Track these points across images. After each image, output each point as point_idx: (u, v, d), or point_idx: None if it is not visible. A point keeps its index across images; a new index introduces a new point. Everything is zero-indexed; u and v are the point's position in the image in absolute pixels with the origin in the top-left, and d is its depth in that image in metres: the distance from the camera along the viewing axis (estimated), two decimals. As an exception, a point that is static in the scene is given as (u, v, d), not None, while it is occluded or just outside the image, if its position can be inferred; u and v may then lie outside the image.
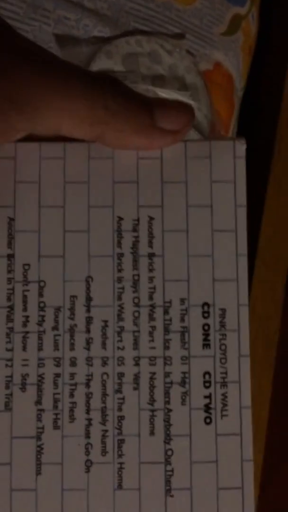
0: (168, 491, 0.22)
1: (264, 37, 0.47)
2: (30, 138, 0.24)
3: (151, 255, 0.23)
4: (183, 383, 0.23)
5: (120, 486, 0.23)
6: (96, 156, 0.24)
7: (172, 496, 0.22)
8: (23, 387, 0.23)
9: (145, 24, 0.40)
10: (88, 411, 0.23)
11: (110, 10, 0.39)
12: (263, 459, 0.43)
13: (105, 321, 0.23)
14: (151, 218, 0.24)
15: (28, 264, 0.24)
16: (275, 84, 0.45)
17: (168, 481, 0.22)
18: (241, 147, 0.24)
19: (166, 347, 0.23)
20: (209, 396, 0.23)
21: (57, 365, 0.23)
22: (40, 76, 0.21)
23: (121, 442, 0.23)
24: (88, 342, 0.23)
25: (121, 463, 0.23)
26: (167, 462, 0.23)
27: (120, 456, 0.23)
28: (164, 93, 0.39)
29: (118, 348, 0.23)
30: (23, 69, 0.21)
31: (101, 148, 0.24)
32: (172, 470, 0.23)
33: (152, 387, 0.23)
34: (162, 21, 0.41)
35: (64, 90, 0.21)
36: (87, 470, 0.23)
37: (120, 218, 0.24)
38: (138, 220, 0.24)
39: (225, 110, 0.43)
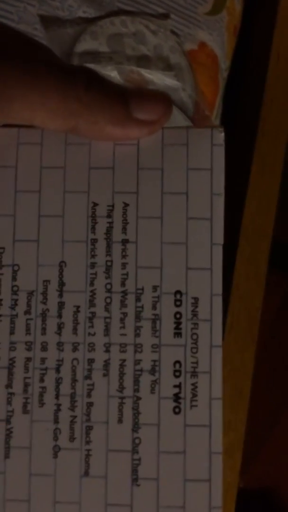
0: (134, 480, 0.21)
1: (248, 16, 0.45)
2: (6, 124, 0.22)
3: (124, 241, 0.22)
4: (153, 371, 0.22)
5: (86, 473, 0.21)
6: (73, 142, 0.23)
7: (138, 485, 0.21)
8: None
9: (130, 4, 0.38)
10: (57, 396, 0.22)
11: None
12: (245, 432, 0.43)
13: (77, 307, 0.22)
14: (126, 205, 0.22)
15: (3, 248, 0.22)
16: (259, 64, 0.44)
17: (135, 470, 0.21)
18: (219, 134, 0.22)
19: (137, 335, 0.22)
20: (178, 386, 0.22)
21: (28, 349, 0.22)
22: (13, 69, 0.20)
23: (89, 428, 0.22)
24: (60, 327, 0.22)
25: (88, 450, 0.22)
26: (135, 450, 0.21)
27: (87, 442, 0.22)
28: (149, 74, 0.37)
29: (89, 334, 0.22)
30: None
31: None
32: (139, 459, 0.21)
33: (122, 374, 0.22)
34: (146, 1, 0.39)
35: (37, 83, 0.20)
36: (55, 455, 0.22)
37: (95, 204, 0.22)
38: (113, 206, 0.22)
39: (210, 90, 0.41)
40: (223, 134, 0.23)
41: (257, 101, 0.42)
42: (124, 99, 0.21)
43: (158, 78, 0.39)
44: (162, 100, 0.22)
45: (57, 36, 0.37)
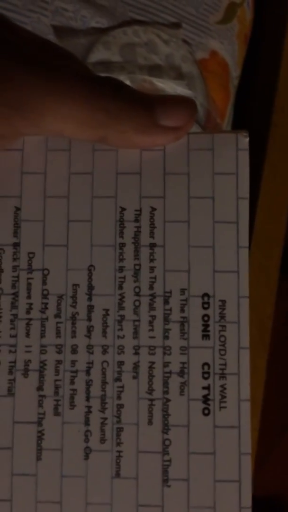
0: (165, 481, 0.21)
1: (259, 24, 0.45)
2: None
3: (152, 245, 0.22)
4: (181, 373, 0.21)
5: (118, 474, 0.21)
6: (100, 148, 0.22)
7: (169, 486, 0.21)
8: (25, 373, 0.22)
9: (142, 14, 0.38)
10: (88, 399, 0.21)
11: (107, 1, 0.38)
12: (258, 439, 0.42)
13: (106, 310, 0.22)
14: (153, 209, 0.22)
15: (33, 253, 0.22)
16: (270, 71, 0.43)
17: (165, 471, 0.21)
18: (244, 139, 0.22)
19: (166, 337, 0.22)
20: (207, 387, 0.21)
21: (59, 352, 0.22)
22: (44, 82, 0.20)
23: (119, 430, 0.21)
24: (89, 330, 0.22)
25: (119, 451, 0.21)
26: (165, 452, 0.21)
27: (118, 444, 0.21)
28: (161, 83, 0.37)
29: (118, 336, 0.22)
30: (28, 76, 0.20)
31: None
32: (169, 460, 0.21)
33: (151, 376, 0.21)
34: (158, 11, 0.39)
35: (67, 95, 0.20)
36: (86, 457, 0.21)
37: (123, 209, 0.22)
38: (140, 210, 0.22)
39: (221, 98, 0.41)
40: (247, 139, 0.22)
41: (268, 108, 0.42)
42: (150, 107, 0.21)
43: (170, 87, 0.39)
44: (187, 105, 0.22)
45: (70, 46, 0.37)
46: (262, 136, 0.41)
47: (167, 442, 0.21)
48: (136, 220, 0.22)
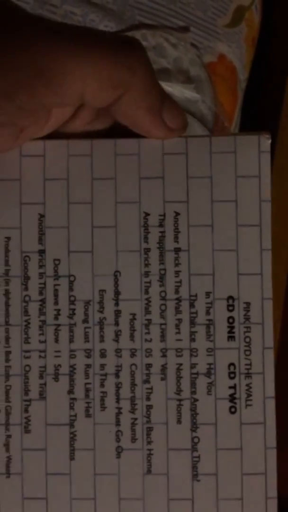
0: (195, 476, 0.21)
1: (266, 27, 0.44)
2: (56, 136, 0.22)
3: (177, 250, 0.22)
4: (208, 374, 0.22)
5: (149, 471, 0.21)
6: (122, 152, 0.22)
7: (198, 480, 0.21)
8: (56, 377, 0.22)
9: (150, 17, 0.38)
10: (118, 400, 0.22)
11: (116, 4, 0.37)
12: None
13: (133, 314, 0.22)
14: (177, 214, 0.22)
15: (59, 259, 0.22)
16: (278, 74, 0.43)
17: (195, 467, 0.21)
18: (266, 141, 0.22)
19: (192, 339, 0.22)
20: (234, 387, 0.21)
21: (88, 357, 0.22)
22: (64, 41, 0.19)
23: (149, 429, 0.21)
24: (117, 334, 0.22)
25: (150, 450, 0.21)
26: (194, 448, 0.21)
27: (149, 443, 0.21)
28: (169, 87, 0.37)
29: (146, 340, 0.22)
30: (47, 37, 0.19)
31: (127, 144, 0.22)
32: (198, 457, 0.21)
33: (179, 377, 0.22)
34: (166, 14, 0.38)
35: (89, 52, 0.19)
36: (118, 455, 0.21)
37: (147, 214, 0.22)
38: (164, 215, 0.22)
39: (229, 101, 0.40)
40: (270, 141, 0.22)
41: (276, 112, 0.41)
42: (162, 97, 0.21)
43: (178, 91, 0.39)
44: (184, 118, 0.22)
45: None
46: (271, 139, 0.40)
47: (195, 440, 0.22)
48: (161, 225, 0.22)
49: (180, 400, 0.22)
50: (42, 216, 0.22)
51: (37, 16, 0.20)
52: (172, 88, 0.37)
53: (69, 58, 0.19)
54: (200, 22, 0.39)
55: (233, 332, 0.22)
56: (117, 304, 0.22)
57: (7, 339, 0.22)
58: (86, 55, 0.19)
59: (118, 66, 0.20)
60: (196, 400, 0.22)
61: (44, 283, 0.22)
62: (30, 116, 0.20)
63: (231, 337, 0.22)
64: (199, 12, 0.39)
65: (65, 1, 0.36)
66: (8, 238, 0.22)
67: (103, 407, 0.22)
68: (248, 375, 0.22)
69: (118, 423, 0.22)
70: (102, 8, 0.36)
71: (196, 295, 0.22)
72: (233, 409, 0.22)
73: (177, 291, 0.22)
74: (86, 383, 0.22)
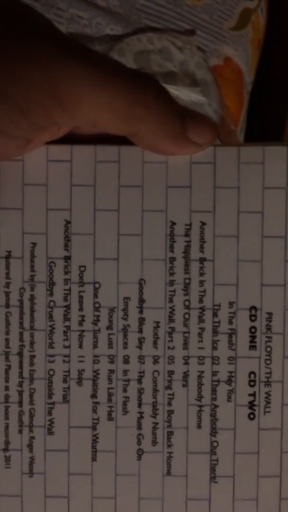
0: (212, 478, 0.22)
1: (272, 29, 0.43)
2: (83, 141, 0.21)
3: (202, 260, 0.22)
4: (229, 381, 0.22)
5: (168, 473, 0.22)
6: (150, 160, 0.22)
7: (216, 482, 0.22)
8: (79, 382, 0.22)
9: (156, 21, 0.37)
10: (140, 405, 0.22)
11: (122, 8, 0.36)
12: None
13: (157, 322, 0.22)
14: (203, 224, 0.22)
15: (84, 266, 0.22)
16: (283, 76, 0.42)
17: (213, 469, 0.22)
18: None
19: (214, 348, 0.22)
20: (253, 394, 0.22)
21: (111, 362, 0.22)
22: (84, 71, 0.19)
23: (170, 433, 0.22)
24: (141, 341, 0.22)
25: (170, 453, 0.22)
26: (213, 452, 0.22)
27: (169, 446, 0.22)
28: (175, 90, 0.36)
29: (169, 347, 0.22)
30: (67, 63, 0.19)
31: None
32: (217, 460, 0.22)
33: (200, 384, 0.22)
34: (173, 18, 0.37)
35: (106, 85, 0.20)
36: (139, 458, 0.22)
37: (173, 223, 0.22)
38: (190, 225, 0.22)
39: (235, 104, 0.40)
40: None
41: (282, 114, 0.41)
42: (183, 117, 0.21)
43: (184, 94, 0.38)
44: (213, 127, 0.22)
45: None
46: (276, 140, 0.39)
47: (214, 444, 0.22)
48: (186, 235, 0.22)
49: (200, 406, 0.22)
50: (68, 222, 0.22)
51: (59, 33, 0.20)
52: (178, 91, 0.36)
53: (85, 89, 0.19)
54: (206, 25, 0.38)
55: (255, 342, 0.22)
56: (141, 311, 0.22)
57: (32, 343, 0.22)
58: (103, 89, 0.19)
59: (133, 103, 0.20)
60: (216, 406, 0.22)
61: (69, 289, 0.22)
62: (42, 131, 0.21)
63: (252, 347, 0.22)
64: (205, 15, 0.38)
65: (71, 5, 0.34)
66: (34, 244, 0.22)
67: (125, 411, 0.22)
68: (267, 383, 0.22)
69: (139, 427, 0.22)
70: (108, 12, 0.35)
71: (219, 305, 0.22)
72: (252, 416, 0.22)
73: (201, 301, 0.22)
74: (109, 388, 0.22)
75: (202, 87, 0.37)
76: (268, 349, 0.22)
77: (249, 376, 0.22)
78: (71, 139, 0.22)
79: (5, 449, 0.22)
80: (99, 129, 0.21)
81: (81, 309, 0.22)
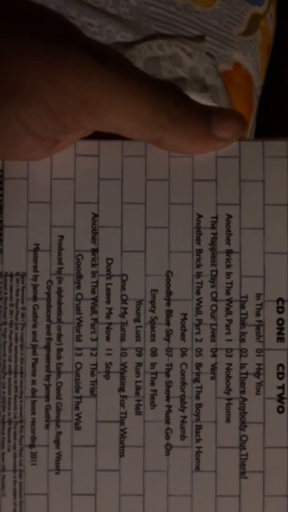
0: (242, 473, 0.21)
1: (280, 34, 0.44)
2: (110, 136, 0.22)
3: (228, 252, 0.22)
4: (257, 374, 0.21)
5: (198, 468, 0.21)
6: (176, 155, 0.22)
7: (246, 477, 0.21)
8: (107, 375, 0.21)
9: (166, 27, 0.37)
10: (168, 398, 0.21)
11: (132, 15, 0.36)
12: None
13: (184, 314, 0.22)
14: (229, 216, 0.22)
15: (111, 259, 0.22)
16: None
17: (242, 464, 0.21)
18: None
19: (242, 340, 0.22)
20: (282, 387, 0.22)
21: (139, 355, 0.21)
22: (113, 80, 0.20)
23: (199, 428, 0.21)
24: (168, 333, 0.22)
25: (199, 447, 0.21)
26: (242, 447, 0.21)
27: (198, 440, 0.21)
28: None
29: (196, 340, 0.22)
30: (98, 71, 0.19)
31: None
32: (246, 455, 0.21)
33: (228, 377, 0.21)
34: (182, 24, 0.38)
35: (132, 94, 0.20)
36: (167, 453, 0.21)
37: (199, 216, 0.22)
38: (216, 217, 0.22)
39: (245, 109, 0.40)
40: None
41: None
42: (207, 118, 0.21)
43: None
44: (239, 120, 0.22)
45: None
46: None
47: (244, 438, 0.22)
48: (213, 227, 0.22)
49: (229, 399, 0.22)
50: (95, 215, 0.22)
51: (89, 40, 0.20)
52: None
53: (114, 97, 0.20)
54: (215, 31, 0.38)
55: (282, 334, 0.22)
56: (168, 304, 0.22)
57: (59, 336, 0.22)
58: (129, 98, 0.20)
59: (156, 112, 0.20)
60: (245, 399, 0.22)
61: (97, 282, 0.22)
62: (70, 133, 0.21)
63: (280, 338, 0.22)
64: (215, 21, 0.39)
65: (82, 13, 0.35)
66: (62, 237, 0.22)
67: (153, 405, 0.22)
68: None
69: (167, 421, 0.22)
70: (119, 19, 0.36)
71: (246, 297, 0.22)
72: (280, 409, 0.22)
73: (228, 292, 0.22)
74: (136, 381, 0.22)
75: (212, 92, 0.37)
76: None
77: (277, 369, 0.22)
78: (98, 133, 0.22)
79: (32, 445, 0.22)
80: (123, 135, 0.21)
81: (108, 301, 0.22)
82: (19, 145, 0.20)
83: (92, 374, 0.22)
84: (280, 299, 0.22)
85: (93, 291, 0.22)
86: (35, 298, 0.22)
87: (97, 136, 0.22)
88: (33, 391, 0.22)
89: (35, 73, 0.19)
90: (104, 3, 0.36)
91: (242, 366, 0.22)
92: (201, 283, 0.22)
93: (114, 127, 0.20)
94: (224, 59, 0.38)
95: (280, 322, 0.22)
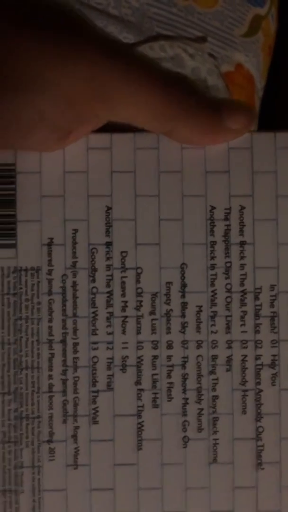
0: (259, 464, 0.21)
1: (282, 34, 0.44)
2: (123, 129, 0.21)
3: (242, 243, 0.22)
4: (273, 365, 0.21)
5: (215, 460, 0.21)
6: (188, 146, 0.22)
7: (262, 468, 0.21)
8: (123, 368, 0.21)
9: (168, 28, 0.37)
10: (184, 391, 0.21)
11: (134, 16, 0.36)
12: None
13: (199, 306, 0.21)
14: (242, 207, 0.22)
15: (126, 252, 0.21)
16: None
17: (259, 455, 0.21)
18: None
19: (257, 331, 0.21)
20: None
21: (155, 348, 0.21)
22: (125, 70, 0.20)
23: (215, 420, 0.21)
24: (184, 326, 0.21)
25: (215, 439, 0.21)
26: (258, 438, 0.21)
27: (214, 432, 0.21)
28: None
29: (212, 332, 0.21)
30: (110, 60, 0.20)
31: None
32: (262, 446, 0.21)
33: (243, 369, 0.21)
34: (184, 25, 0.38)
35: (145, 83, 0.20)
36: (184, 445, 0.21)
37: (213, 207, 0.22)
38: (229, 209, 0.22)
39: None
40: None
41: None
42: (218, 109, 0.21)
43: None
44: (249, 111, 0.22)
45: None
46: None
47: (260, 429, 0.22)
48: (226, 219, 0.22)
49: (244, 390, 0.22)
50: (109, 208, 0.22)
51: (101, 31, 0.21)
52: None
53: (126, 87, 0.20)
54: (217, 32, 0.38)
55: None
56: (183, 296, 0.22)
57: (75, 330, 0.21)
58: (141, 88, 0.20)
59: (168, 102, 0.20)
60: (260, 390, 0.22)
61: (112, 275, 0.22)
62: (83, 123, 0.21)
63: None
64: (217, 22, 0.39)
65: (84, 14, 0.35)
66: (76, 230, 0.22)
67: (169, 398, 0.22)
68: None
69: (184, 413, 0.22)
70: (121, 20, 0.36)
71: (260, 288, 0.22)
72: None
73: (242, 284, 0.22)
74: (153, 374, 0.22)
75: (214, 93, 0.37)
76: None
77: None
78: (110, 126, 0.22)
79: (49, 441, 0.21)
80: (135, 125, 0.21)
81: (123, 294, 0.22)
82: (32, 134, 0.20)
83: (108, 368, 0.22)
84: None
85: (108, 285, 0.22)
86: (50, 292, 0.21)
87: (109, 129, 0.22)
88: (50, 386, 0.21)
89: (49, 61, 0.19)
90: (106, 4, 0.35)
91: (257, 357, 0.22)
92: (216, 275, 0.22)
93: (127, 117, 0.21)
94: (226, 60, 0.38)
95: None
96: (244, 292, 0.22)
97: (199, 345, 0.22)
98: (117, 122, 0.21)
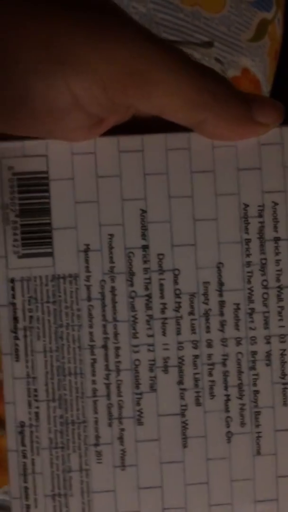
0: None
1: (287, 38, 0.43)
2: (155, 130, 0.21)
3: (276, 239, 0.22)
4: None
5: (258, 452, 0.22)
6: (219, 145, 0.22)
7: None
8: (165, 369, 0.21)
9: (175, 34, 0.37)
10: (226, 388, 0.22)
11: (141, 22, 0.35)
12: None
13: (237, 304, 0.22)
14: (275, 204, 0.22)
15: (162, 254, 0.21)
16: None
17: None
18: None
19: None
20: None
21: (195, 347, 0.21)
22: (161, 55, 0.20)
23: (257, 413, 0.22)
24: (222, 324, 0.22)
25: (258, 432, 0.22)
26: None
27: (257, 426, 0.22)
28: None
29: (250, 328, 0.22)
30: (145, 46, 0.20)
31: None
32: None
33: (283, 362, 0.22)
34: (191, 30, 0.37)
35: (179, 70, 0.20)
36: (229, 440, 0.22)
37: (246, 205, 0.22)
38: (263, 206, 0.22)
39: None
40: None
41: None
42: (248, 101, 0.21)
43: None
44: (279, 107, 0.22)
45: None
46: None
47: None
48: (260, 216, 0.22)
49: (285, 383, 0.22)
50: (144, 211, 0.22)
51: (135, 20, 0.20)
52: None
53: (160, 73, 0.20)
54: (224, 37, 0.38)
55: None
56: (221, 295, 0.22)
57: (116, 335, 0.21)
58: (175, 74, 0.20)
59: (200, 90, 0.20)
60: None
61: (149, 278, 0.22)
62: (115, 112, 0.21)
63: None
64: (223, 27, 0.38)
65: None
66: (112, 235, 0.21)
67: (212, 395, 0.22)
68: None
69: (227, 409, 0.22)
70: None
71: None
72: None
73: (278, 280, 0.22)
74: (194, 373, 0.22)
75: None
76: None
77: None
78: (140, 128, 0.21)
79: (96, 444, 0.22)
80: (167, 116, 0.20)
81: (162, 297, 0.22)
82: (65, 119, 0.20)
83: (150, 369, 0.22)
84: None
85: (146, 288, 0.22)
86: (89, 298, 0.21)
87: (139, 131, 0.22)
88: (94, 390, 0.21)
89: (87, 43, 0.19)
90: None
91: None
92: (252, 272, 0.22)
93: (159, 105, 0.20)
94: (232, 65, 0.38)
95: None
96: (280, 288, 0.22)
97: (238, 342, 0.22)
98: (141, 117, 0.21)
